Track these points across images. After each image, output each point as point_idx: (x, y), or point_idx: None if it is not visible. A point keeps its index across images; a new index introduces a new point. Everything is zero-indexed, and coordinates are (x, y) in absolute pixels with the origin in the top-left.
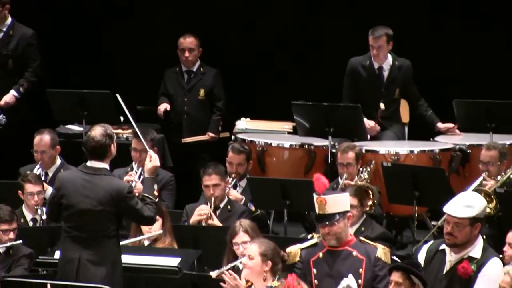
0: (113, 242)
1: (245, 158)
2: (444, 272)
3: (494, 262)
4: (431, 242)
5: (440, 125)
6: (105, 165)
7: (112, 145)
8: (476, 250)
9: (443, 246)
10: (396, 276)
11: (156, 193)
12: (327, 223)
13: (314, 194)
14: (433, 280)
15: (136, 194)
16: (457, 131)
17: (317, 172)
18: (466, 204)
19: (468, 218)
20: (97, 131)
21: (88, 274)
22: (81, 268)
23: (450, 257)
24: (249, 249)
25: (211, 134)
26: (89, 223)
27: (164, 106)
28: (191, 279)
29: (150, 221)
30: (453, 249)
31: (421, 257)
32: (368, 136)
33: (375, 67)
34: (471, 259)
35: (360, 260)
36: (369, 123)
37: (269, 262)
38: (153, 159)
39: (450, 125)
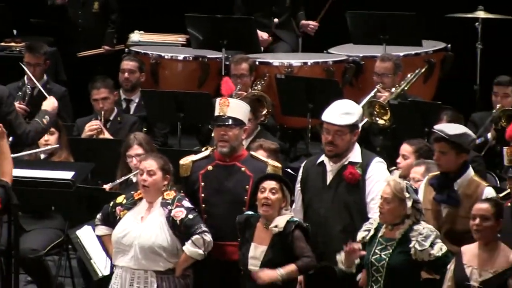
0: None
1: (137, 66)
2: (328, 183)
3: (377, 162)
4: (305, 161)
5: (304, 22)
6: None
7: None
8: (356, 155)
9: (321, 159)
10: (272, 184)
11: (45, 121)
12: (225, 123)
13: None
14: (317, 193)
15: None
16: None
17: (211, 84)
18: (344, 111)
19: (348, 126)
20: None
21: None
22: None
23: (331, 167)
24: (148, 165)
25: (106, 47)
26: None
27: None
28: (85, 192)
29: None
30: (333, 159)
31: (298, 178)
32: (262, 48)
33: None
34: (353, 163)
35: (248, 176)
36: (262, 34)
37: (168, 176)
38: (50, 102)
39: (312, 22)
